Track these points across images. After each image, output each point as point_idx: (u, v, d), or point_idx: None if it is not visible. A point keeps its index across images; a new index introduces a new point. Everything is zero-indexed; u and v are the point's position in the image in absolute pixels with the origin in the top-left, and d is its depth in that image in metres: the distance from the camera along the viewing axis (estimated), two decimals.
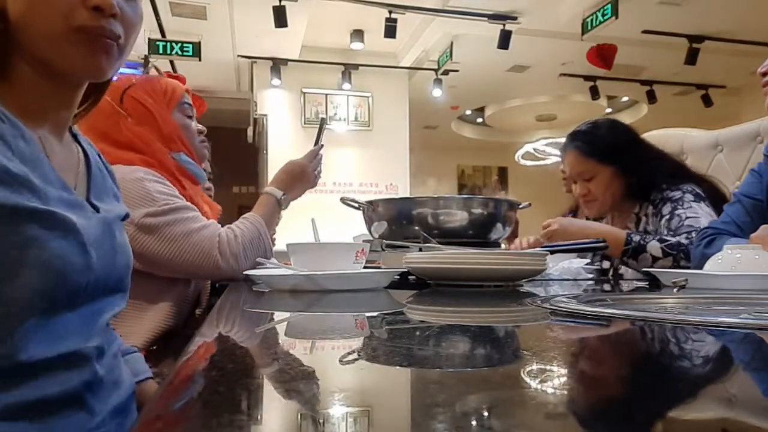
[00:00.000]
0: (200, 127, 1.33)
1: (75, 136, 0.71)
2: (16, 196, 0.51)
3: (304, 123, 5.95)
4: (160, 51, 4.69)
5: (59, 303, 0.55)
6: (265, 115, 5.96)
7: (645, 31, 5.21)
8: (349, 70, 5.90)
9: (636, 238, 1.37)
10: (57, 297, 0.54)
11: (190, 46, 4.79)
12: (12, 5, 0.58)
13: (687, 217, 1.39)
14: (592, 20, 4.62)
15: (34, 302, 0.52)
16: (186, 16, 4.51)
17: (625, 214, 1.61)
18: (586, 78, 6.20)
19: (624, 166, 1.53)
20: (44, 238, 0.52)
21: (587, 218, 1.73)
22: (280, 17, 4.29)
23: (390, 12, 4.66)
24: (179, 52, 4.77)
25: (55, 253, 0.53)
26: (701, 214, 1.38)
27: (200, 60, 4.84)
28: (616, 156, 1.54)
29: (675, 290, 0.74)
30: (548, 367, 0.35)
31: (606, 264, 1.59)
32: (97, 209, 0.64)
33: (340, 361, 0.39)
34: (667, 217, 1.43)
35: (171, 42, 4.74)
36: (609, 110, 7.57)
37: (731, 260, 0.95)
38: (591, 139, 1.58)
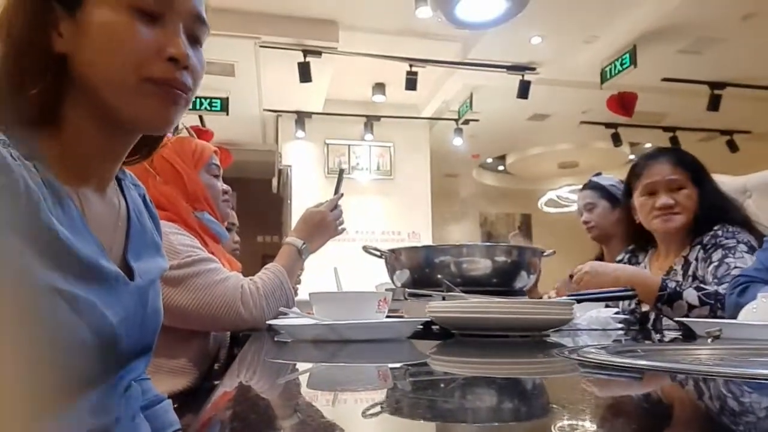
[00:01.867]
0: (225, 186, 1.36)
1: (119, 181, 0.68)
2: (51, 275, 0.49)
3: (328, 173, 6.05)
4: (190, 107, 4.87)
5: (81, 385, 0.53)
6: (290, 165, 6.09)
7: (665, 79, 5.25)
8: (371, 121, 6.04)
9: (671, 284, 1.33)
10: (82, 378, 0.53)
11: (219, 101, 4.97)
12: (82, 52, 0.56)
13: (735, 267, 1.34)
14: (611, 69, 4.68)
15: (55, 387, 0.50)
16: (215, 74, 4.71)
17: (673, 252, 1.57)
18: (608, 125, 6.22)
19: (702, 193, 1.52)
20: (72, 323, 0.51)
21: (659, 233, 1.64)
22: (305, 73, 4.45)
23: (410, 65, 4.80)
24: (208, 108, 4.96)
25: (79, 339, 0.51)
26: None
27: (227, 114, 5.02)
28: (700, 179, 1.54)
29: (709, 341, 0.71)
30: (579, 422, 0.34)
31: (645, 307, 1.54)
32: (132, 275, 0.62)
33: (363, 414, 0.38)
34: (716, 264, 1.39)
35: (200, 98, 4.93)
36: (632, 156, 7.54)
37: (767, 309, 0.91)
38: (681, 155, 1.61)
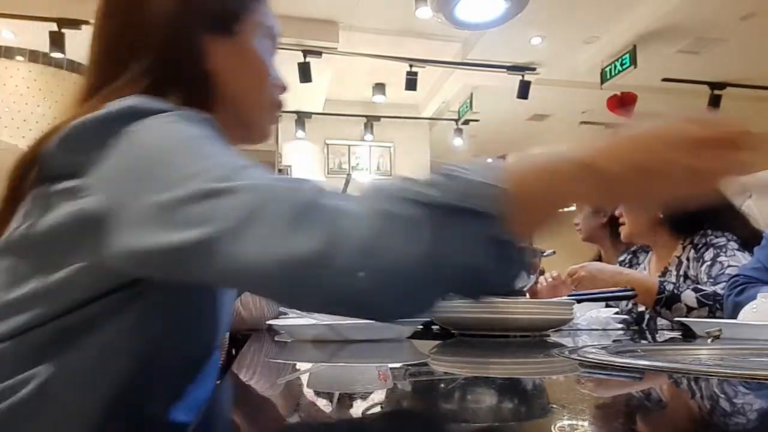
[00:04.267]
0: None
1: None
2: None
3: (328, 173, 6.05)
4: None
5: (193, 374, 0.58)
6: (290, 166, 6.09)
7: (665, 79, 5.24)
8: (371, 121, 6.04)
9: (669, 286, 1.32)
10: (198, 366, 0.58)
11: None
12: (231, 71, 0.63)
13: (729, 266, 1.34)
14: (611, 69, 4.68)
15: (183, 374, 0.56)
16: None
17: (664, 253, 1.57)
18: (608, 126, 6.21)
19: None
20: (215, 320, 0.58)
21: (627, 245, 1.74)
22: (305, 73, 4.45)
23: (410, 66, 4.80)
24: None
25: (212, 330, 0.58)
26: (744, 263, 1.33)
27: None
28: None
29: (709, 341, 0.71)
30: (579, 422, 0.34)
31: (642, 307, 1.53)
32: None
33: (363, 414, 0.38)
34: (709, 263, 1.39)
35: None
36: None
37: (767, 309, 0.91)
38: None
